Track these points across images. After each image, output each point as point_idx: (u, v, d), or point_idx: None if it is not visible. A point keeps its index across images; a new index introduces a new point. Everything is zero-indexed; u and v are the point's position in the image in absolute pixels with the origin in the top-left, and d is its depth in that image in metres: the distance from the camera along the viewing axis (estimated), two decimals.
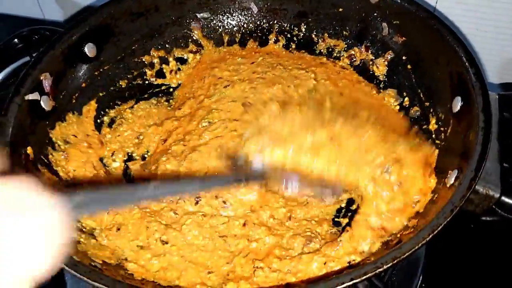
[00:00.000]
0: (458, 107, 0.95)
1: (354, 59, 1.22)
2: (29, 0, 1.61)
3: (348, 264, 0.86)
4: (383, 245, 0.88)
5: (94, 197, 0.57)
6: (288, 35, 1.27)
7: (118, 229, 0.93)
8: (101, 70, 1.15)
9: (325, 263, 0.87)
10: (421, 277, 0.99)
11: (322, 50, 1.25)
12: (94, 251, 0.87)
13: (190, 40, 1.26)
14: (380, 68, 1.18)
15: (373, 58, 1.19)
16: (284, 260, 0.88)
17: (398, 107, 1.12)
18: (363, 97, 1.15)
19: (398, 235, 0.86)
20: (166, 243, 0.92)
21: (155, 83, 1.24)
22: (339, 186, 0.95)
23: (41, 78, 1.01)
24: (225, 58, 1.24)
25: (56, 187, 0.81)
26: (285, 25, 1.27)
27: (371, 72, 1.19)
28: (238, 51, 1.27)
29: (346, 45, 1.22)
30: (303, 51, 1.26)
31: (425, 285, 1.00)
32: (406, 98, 1.11)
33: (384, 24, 1.15)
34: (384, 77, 1.17)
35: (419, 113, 1.07)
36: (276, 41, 1.27)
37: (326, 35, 1.24)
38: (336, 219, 0.97)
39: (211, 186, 0.89)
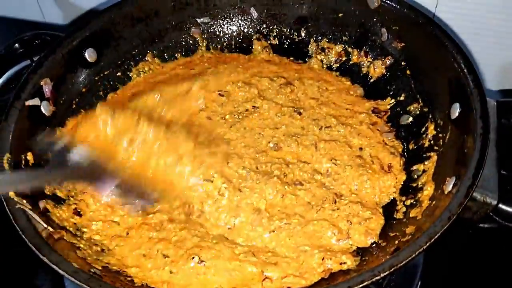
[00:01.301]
0: (457, 114, 0.95)
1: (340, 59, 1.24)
2: (30, 3, 1.61)
3: (340, 266, 0.87)
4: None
5: None
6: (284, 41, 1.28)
7: (128, 233, 0.94)
8: (101, 75, 1.15)
9: (323, 259, 0.87)
10: (419, 283, 1.00)
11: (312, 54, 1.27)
12: (95, 257, 0.87)
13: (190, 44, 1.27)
14: (377, 71, 1.18)
15: (371, 61, 1.19)
16: (292, 263, 0.88)
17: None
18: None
19: (396, 242, 0.87)
20: (167, 257, 0.90)
21: None
22: (151, 196, 0.94)
23: (42, 83, 1.01)
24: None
25: None
26: (285, 30, 1.27)
27: (364, 74, 1.21)
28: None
29: (343, 50, 1.23)
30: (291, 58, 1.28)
31: None
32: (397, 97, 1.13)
33: (383, 30, 1.15)
34: (382, 81, 1.17)
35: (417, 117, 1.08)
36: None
37: (325, 40, 1.24)
38: None
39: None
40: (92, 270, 0.80)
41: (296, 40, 1.27)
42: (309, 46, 1.26)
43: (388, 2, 1.11)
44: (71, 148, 0.91)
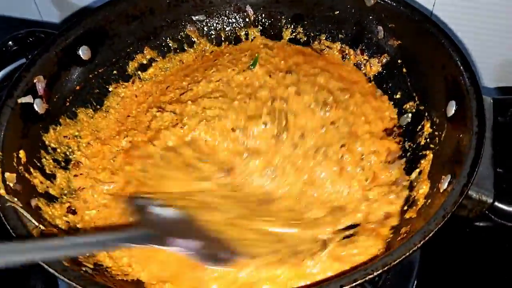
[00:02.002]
0: (453, 111, 0.94)
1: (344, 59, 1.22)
2: (26, 1, 1.61)
3: None
4: None
5: None
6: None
7: None
8: (95, 73, 1.14)
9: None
10: (415, 282, 0.99)
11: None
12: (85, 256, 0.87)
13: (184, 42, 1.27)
14: (373, 69, 1.17)
15: (367, 58, 1.18)
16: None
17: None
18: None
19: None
20: None
21: None
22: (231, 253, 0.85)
23: (35, 80, 1.00)
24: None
25: None
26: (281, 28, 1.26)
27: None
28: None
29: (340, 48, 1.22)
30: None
31: None
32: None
33: (380, 28, 1.14)
34: (378, 79, 1.16)
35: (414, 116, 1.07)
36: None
37: (323, 36, 1.23)
38: None
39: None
40: (84, 269, 0.80)
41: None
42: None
43: None
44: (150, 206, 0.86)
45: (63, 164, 1.03)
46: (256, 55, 1.19)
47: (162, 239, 0.80)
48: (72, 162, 1.05)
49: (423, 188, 0.92)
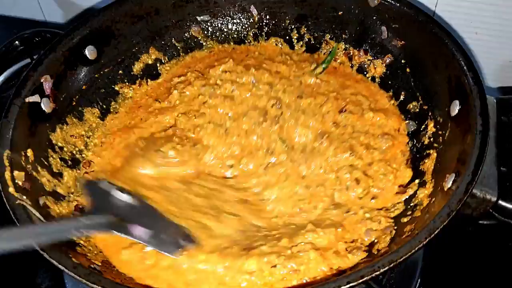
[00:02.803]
0: (456, 111, 0.95)
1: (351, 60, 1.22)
2: (30, 2, 1.61)
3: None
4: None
5: None
6: (288, 38, 1.28)
7: None
8: (101, 72, 1.15)
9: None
10: (419, 280, 1.00)
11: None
12: (95, 252, 0.88)
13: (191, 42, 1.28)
14: (377, 70, 1.18)
15: (371, 59, 1.19)
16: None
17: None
18: None
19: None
20: None
21: None
22: (187, 237, 0.86)
23: (42, 80, 1.01)
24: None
25: None
26: (285, 28, 1.27)
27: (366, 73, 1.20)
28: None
29: (344, 48, 1.23)
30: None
31: None
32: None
33: (383, 28, 1.15)
34: (382, 79, 1.17)
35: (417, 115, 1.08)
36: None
37: (327, 36, 1.24)
38: None
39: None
40: (92, 266, 0.80)
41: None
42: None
43: (388, 0, 1.11)
44: (112, 191, 0.87)
45: (70, 163, 1.04)
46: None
47: (124, 226, 0.82)
48: (83, 161, 1.06)
49: (427, 188, 0.93)
